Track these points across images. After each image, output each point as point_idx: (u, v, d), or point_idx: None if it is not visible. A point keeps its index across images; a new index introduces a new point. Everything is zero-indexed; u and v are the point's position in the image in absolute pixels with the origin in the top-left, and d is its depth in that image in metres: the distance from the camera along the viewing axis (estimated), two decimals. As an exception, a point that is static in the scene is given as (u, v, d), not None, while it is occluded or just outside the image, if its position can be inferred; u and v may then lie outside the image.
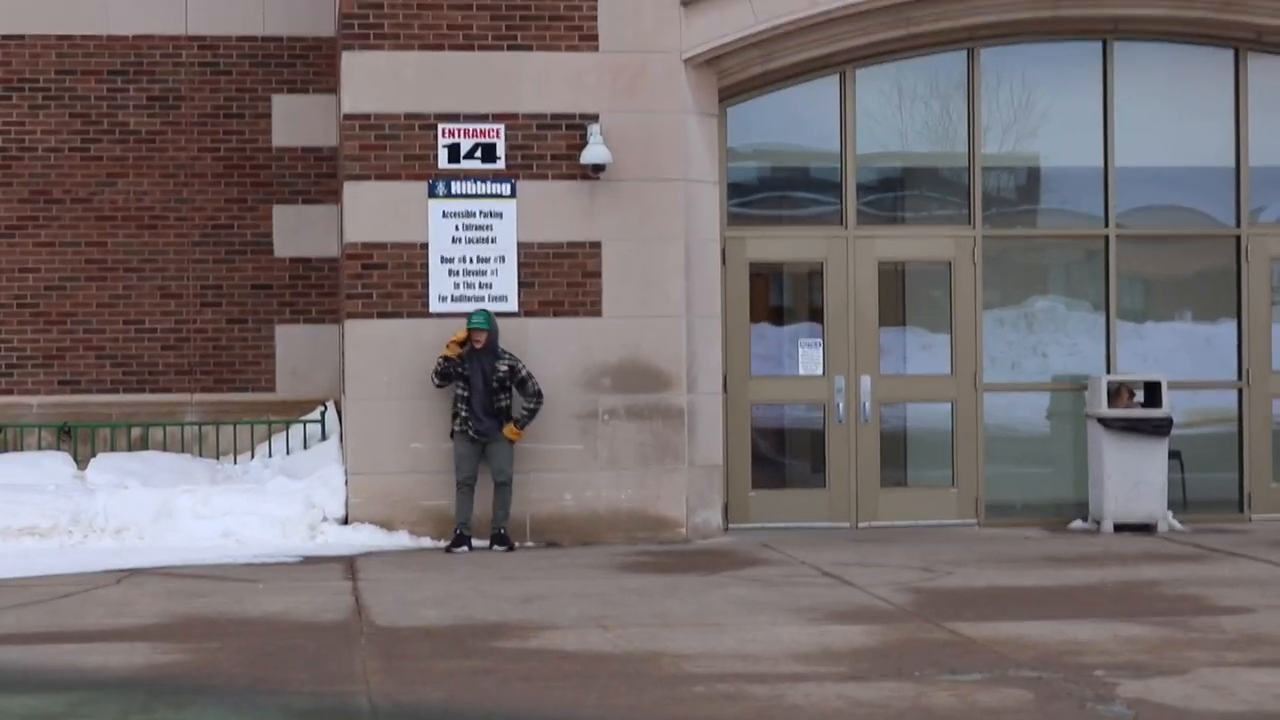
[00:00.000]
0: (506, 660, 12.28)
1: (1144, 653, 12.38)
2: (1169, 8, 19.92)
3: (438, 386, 18.42)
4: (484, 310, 18.44)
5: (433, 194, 18.81)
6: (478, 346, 18.28)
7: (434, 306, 18.79)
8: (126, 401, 21.33)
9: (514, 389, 18.39)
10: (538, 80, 18.84)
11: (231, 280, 21.59)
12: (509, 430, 18.33)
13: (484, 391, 18.28)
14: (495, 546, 18.29)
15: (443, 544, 18.37)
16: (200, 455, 20.88)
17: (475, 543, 18.29)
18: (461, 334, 18.30)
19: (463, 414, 18.28)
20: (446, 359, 18.30)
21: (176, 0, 21.48)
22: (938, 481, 20.41)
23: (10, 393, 21.32)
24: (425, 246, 18.80)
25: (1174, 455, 20.04)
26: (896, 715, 10.50)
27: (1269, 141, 20.57)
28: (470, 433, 18.27)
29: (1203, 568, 16.83)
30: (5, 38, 21.36)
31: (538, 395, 18.41)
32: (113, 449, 20.77)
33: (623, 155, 18.80)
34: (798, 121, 20.40)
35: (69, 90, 21.42)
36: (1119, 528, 19.63)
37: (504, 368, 18.36)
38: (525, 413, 18.40)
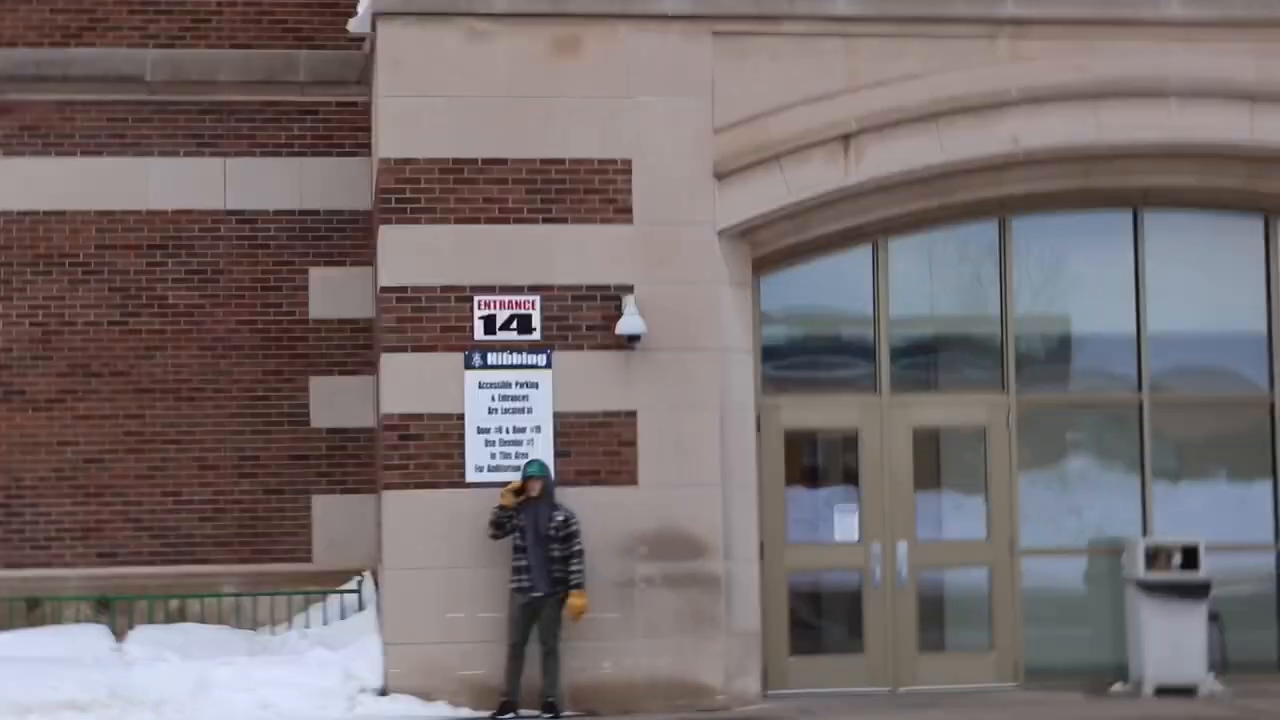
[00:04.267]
0: (551, 840, 12.26)
1: (1190, 827, 12.34)
2: (1198, 178, 20.12)
3: (493, 538, 18.36)
4: (539, 460, 18.56)
5: (469, 365, 18.94)
6: (533, 495, 18.34)
7: (470, 476, 18.85)
8: (164, 573, 21.37)
9: (560, 544, 18.42)
10: (573, 252, 19.01)
11: (269, 451, 21.71)
12: (576, 598, 18.37)
13: (537, 544, 18.30)
14: (544, 715, 18.24)
15: (483, 714, 18.34)
16: (238, 626, 20.88)
17: (523, 711, 18.29)
18: (517, 483, 18.35)
19: (522, 565, 18.25)
20: (503, 508, 18.34)
21: (215, 176, 21.78)
22: (976, 645, 20.37)
23: (49, 565, 21.37)
24: (462, 417, 18.89)
25: (1213, 617, 20.00)
26: None
27: (1300, 307, 20.78)
28: (528, 589, 18.23)
29: (1245, 734, 16.79)
30: (47, 214, 21.65)
31: (582, 554, 18.46)
32: (151, 621, 20.78)
33: (658, 325, 18.94)
34: (831, 288, 20.55)
35: (109, 265, 21.67)
36: (1160, 691, 19.56)
37: (560, 518, 18.40)
38: (579, 571, 18.42)
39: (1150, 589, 19.64)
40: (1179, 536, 20.04)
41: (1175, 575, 19.73)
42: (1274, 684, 20.11)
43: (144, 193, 21.76)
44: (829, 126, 19.27)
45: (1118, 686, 20.01)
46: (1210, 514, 20.71)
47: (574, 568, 18.41)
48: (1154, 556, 19.81)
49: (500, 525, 18.37)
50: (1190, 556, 19.80)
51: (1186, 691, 19.59)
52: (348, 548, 21.49)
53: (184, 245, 21.78)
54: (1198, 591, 19.66)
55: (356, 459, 21.68)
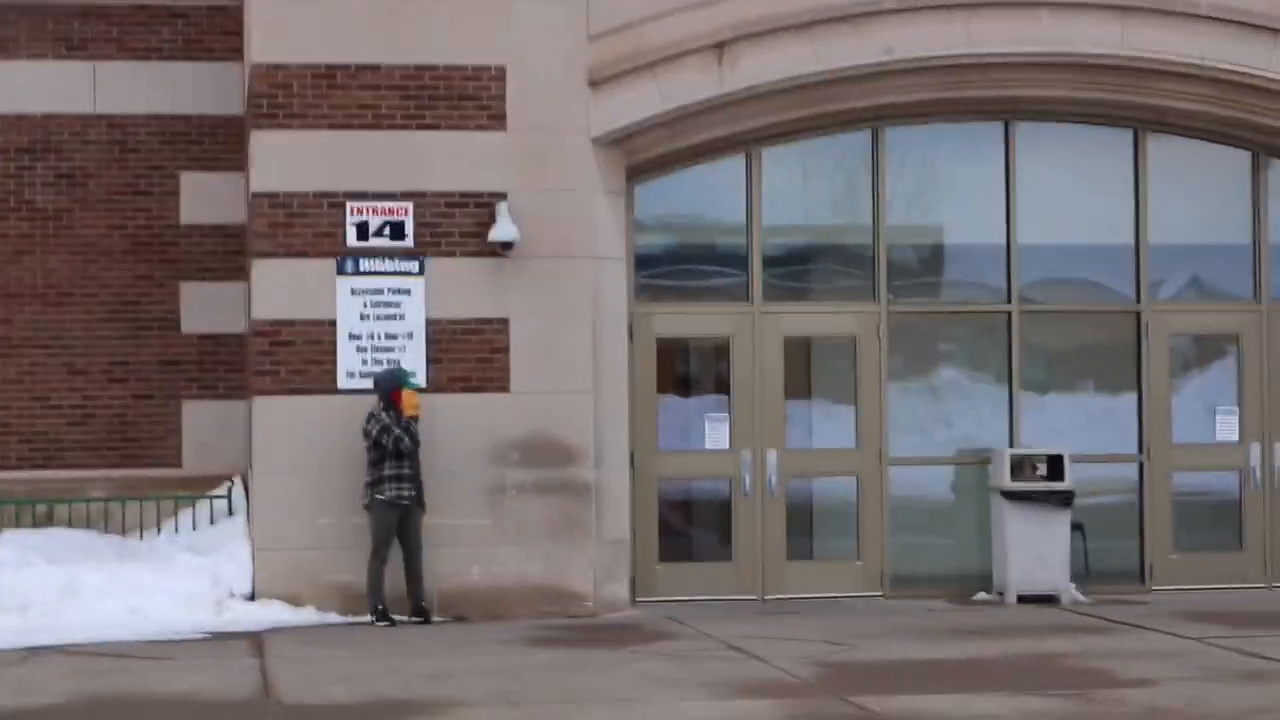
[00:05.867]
0: (415, 738, 12.32)
1: (1046, 726, 12.53)
2: (1067, 89, 20.25)
3: (408, 452, 18.24)
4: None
5: (341, 271, 18.88)
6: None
7: (342, 383, 18.83)
8: (32, 478, 21.21)
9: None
10: (446, 159, 18.95)
11: (139, 357, 21.56)
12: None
13: (414, 452, 18.35)
14: (414, 618, 18.31)
15: (351, 620, 18.36)
16: (107, 531, 20.70)
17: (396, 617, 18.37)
18: (417, 397, 18.34)
19: (406, 475, 18.26)
20: (415, 419, 18.33)
21: (84, 79, 21.52)
22: (843, 554, 20.54)
23: (-85, 469, 21.24)
24: (333, 324, 18.85)
25: (1076, 527, 20.24)
26: (802, 790, 10.59)
27: (1168, 219, 20.93)
28: (411, 497, 18.29)
29: (1106, 640, 17.02)
30: (-87, 118, 21.39)
31: None
32: (18, 526, 20.61)
33: (531, 233, 18.92)
34: (705, 197, 20.58)
35: (-25, 168, 21.44)
36: (1023, 599, 19.82)
37: (416, 425, 18.45)
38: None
39: (1015, 498, 19.88)
40: (1045, 447, 20.28)
41: (1039, 485, 19.97)
42: (1134, 594, 20.42)
43: (10, 95, 21.46)
44: (704, 34, 19.25)
45: (981, 595, 20.26)
46: (1077, 425, 20.93)
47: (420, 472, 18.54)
48: (1019, 466, 20.04)
49: (415, 438, 18.32)
50: (1055, 466, 20.04)
51: (1049, 600, 19.86)
52: (218, 453, 21.37)
53: (53, 149, 21.54)
54: (1061, 501, 19.91)
55: (228, 365, 21.55)
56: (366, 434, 18.27)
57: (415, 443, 18.34)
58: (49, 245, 21.54)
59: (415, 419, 18.30)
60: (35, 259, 21.51)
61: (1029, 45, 19.82)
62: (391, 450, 18.18)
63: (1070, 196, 20.93)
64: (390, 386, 18.35)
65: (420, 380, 18.73)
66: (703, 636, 17.25)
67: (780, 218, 20.56)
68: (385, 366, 18.69)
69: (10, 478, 21.18)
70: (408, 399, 18.30)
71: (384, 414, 18.25)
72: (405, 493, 18.30)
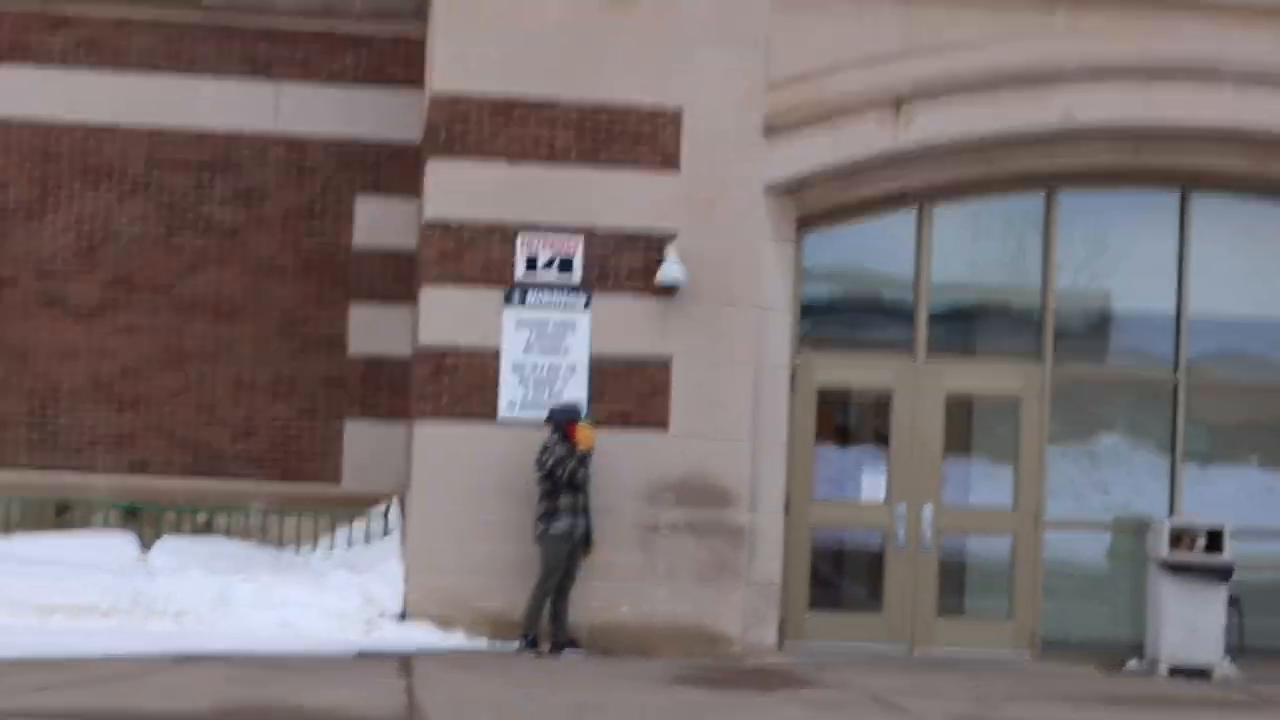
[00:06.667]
0: (559, 769, 12.36)
1: (1194, 800, 12.38)
2: (1248, 163, 20.10)
3: (581, 482, 18.37)
4: None
5: (508, 302, 19.03)
6: None
7: (503, 413, 18.96)
8: (194, 487, 21.59)
9: None
10: (618, 198, 19.07)
11: (304, 374, 21.89)
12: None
13: (585, 488, 18.48)
14: (559, 650, 18.38)
15: (498, 645, 18.46)
16: (263, 544, 21.05)
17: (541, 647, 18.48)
18: (592, 431, 18.46)
19: (580, 508, 18.36)
20: (590, 453, 18.46)
21: (266, 98, 21.91)
22: (994, 613, 20.43)
23: (80, 470, 21.59)
24: (498, 353, 18.99)
25: (1233, 601, 20.01)
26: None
27: (1343, 299, 20.76)
28: (586, 529, 18.43)
29: (1258, 718, 16.78)
30: (98, 127, 21.81)
31: None
32: (177, 533, 20.97)
33: (698, 276, 19.00)
34: (874, 249, 20.58)
35: (156, 181, 21.84)
36: (1174, 671, 19.58)
37: (591, 462, 18.56)
38: None
39: (1173, 569, 19.66)
40: (1206, 519, 20.04)
41: (1198, 557, 19.72)
42: (1289, 672, 20.18)
43: (195, 111, 21.91)
44: (881, 89, 19.30)
45: (1133, 664, 20.03)
46: (1238, 499, 20.71)
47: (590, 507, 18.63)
48: (1178, 537, 19.80)
49: (589, 471, 18.48)
50: (1215, 539, 19.79)
51: (1201, 673, 19.61)
52: (376, 474, 21.65)
53: (232, 166, 21.96)
54: (1220, 574, 19.66)
55: (390, 388, 21.80)
56: (540, 464, 18.38)
57: (588, 477, 18.46)
58: (223, 260, 21.93)
59: (590, 453, 18.40)
60: (209, 273, 21.90)
61: (1209, 117, 19.70)
62: (565, 483, 18.29)
63: (1243, 270, 20.75)
64: (566, 419, 18.45)
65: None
66: (849, 686, 17.19)
67: (947, 275, 20.50)
68: (550, 399, 18.81)
69: (173, 485, 21.56)
70: (584, 433, 18.41)
71: (558, 446, 18.37)
72: (580, 526, 18.41)
